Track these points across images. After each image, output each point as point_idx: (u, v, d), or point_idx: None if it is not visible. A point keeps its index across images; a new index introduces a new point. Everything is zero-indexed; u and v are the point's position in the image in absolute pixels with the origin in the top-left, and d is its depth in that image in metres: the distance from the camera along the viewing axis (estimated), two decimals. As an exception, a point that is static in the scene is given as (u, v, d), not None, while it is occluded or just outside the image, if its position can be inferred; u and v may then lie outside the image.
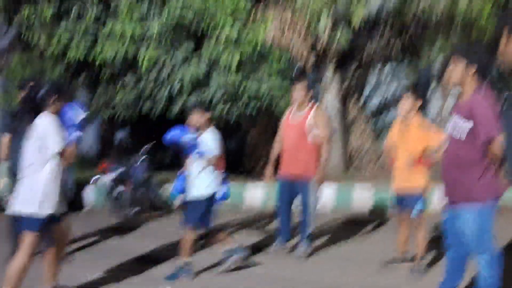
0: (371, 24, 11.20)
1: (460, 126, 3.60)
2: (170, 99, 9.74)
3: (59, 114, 4.16)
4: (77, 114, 4.10)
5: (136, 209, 8.28)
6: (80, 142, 4.20)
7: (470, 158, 3.55)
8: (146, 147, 8.93)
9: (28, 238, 4.08)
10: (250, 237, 6.69)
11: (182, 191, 6.38)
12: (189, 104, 6.01)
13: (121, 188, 8.20)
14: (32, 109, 4.17)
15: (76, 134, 4.10)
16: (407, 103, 5.21)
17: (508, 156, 2.35)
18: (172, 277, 5.03)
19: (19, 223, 4.16)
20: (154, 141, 9.39)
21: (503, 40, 2.47)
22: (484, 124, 3.45)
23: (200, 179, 5.15)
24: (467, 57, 3.61)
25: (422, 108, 5.44)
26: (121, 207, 8.09)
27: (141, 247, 6.29)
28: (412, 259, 5.29)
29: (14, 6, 9.93)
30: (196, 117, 5.18)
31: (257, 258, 5.09)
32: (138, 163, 8.76)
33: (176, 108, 9.70)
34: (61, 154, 4.07)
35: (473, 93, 3.60)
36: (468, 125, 3.53)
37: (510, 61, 2.47)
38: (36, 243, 4.13)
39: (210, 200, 5.19)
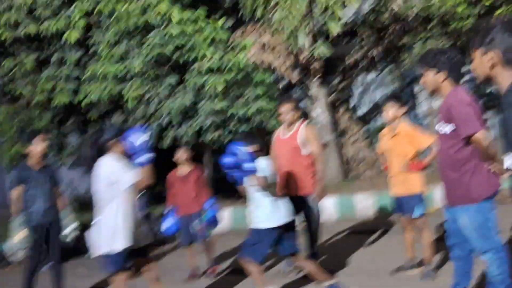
0: (350, 34, 11.30)
1: (445, 129, 3.61)
2: (161, 131, 9.75)
3: (123, 153, 4.26)
4: (138, 138, 4.07)
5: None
6: (150, 162, 4.14)
7: (460, 158, 3.56)
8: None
9: (115, 276, 4.23)
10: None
11: (177, 229, 6.43)
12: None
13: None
14: (97, 153, 4.33)
15: (143, 157, 4.06)
16: (392, 111, 5.24)
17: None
18: None
19: (104, 263, 4.25)
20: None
21: (476, 59, 2.51)
22: (462, 122, 3.46)
23: (259, 209, 4.82)
24: (434, 66, 3.66)
25: (409, 112, 5.46)
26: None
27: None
28: (421, 264, 5.26)
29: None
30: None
31: (267, 277, 5.04)
32: (136, 198, 8.70)
33: (168, 140, 9.71)
34: (136, 183, 4.15)
35: (448, 96, 3.64)
36: (450, 127, 3.55)
37: (482, 75, 2.51)
38: (124, 279, 4.26)
39: (269, 233, 4.73)
